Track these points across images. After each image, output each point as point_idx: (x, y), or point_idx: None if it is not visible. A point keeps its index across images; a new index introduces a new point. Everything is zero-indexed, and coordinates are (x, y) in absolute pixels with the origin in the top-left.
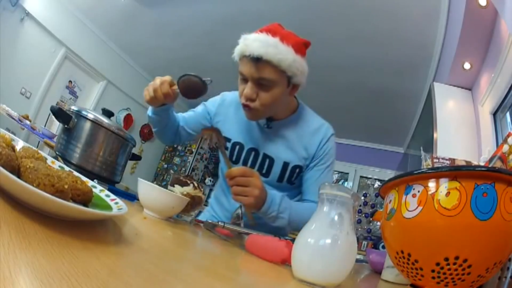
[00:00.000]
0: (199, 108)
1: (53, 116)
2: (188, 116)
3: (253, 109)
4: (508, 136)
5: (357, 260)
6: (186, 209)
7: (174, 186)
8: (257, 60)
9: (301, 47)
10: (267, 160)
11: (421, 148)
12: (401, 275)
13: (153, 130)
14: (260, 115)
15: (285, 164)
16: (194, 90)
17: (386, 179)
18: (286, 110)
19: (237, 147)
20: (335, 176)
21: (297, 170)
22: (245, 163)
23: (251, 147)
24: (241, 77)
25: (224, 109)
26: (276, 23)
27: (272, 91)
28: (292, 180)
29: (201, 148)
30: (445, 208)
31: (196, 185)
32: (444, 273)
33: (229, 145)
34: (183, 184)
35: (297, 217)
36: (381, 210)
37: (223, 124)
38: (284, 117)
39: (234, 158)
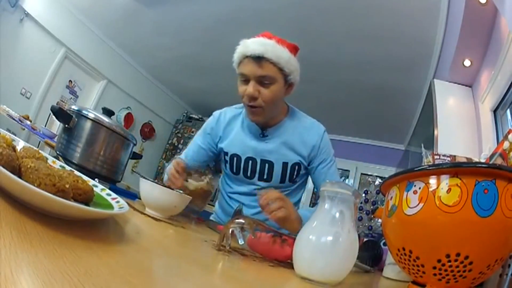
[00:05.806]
0: (201, 139)
1: (53, 116)
2: (193, 153)
3: (256, 108)
4: (508, 133)
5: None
6: (197, 203)
7: (187, 181)
8: (258, 59)
9: (293, 49)
10: (266, 165)
11: (422, 145)
12: (403, 272)
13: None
14: (263, 115)
15: (284, 164)
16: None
17: (387, 176)
18: (280, 113)
19: (235, 158)
20: None
21: (297, 168)
22: (245, 172)
23: (248, 157)
24: (242, 79)
25: (220, 126)
26: (267, 31)
27: (272, 87)
28: (294, 178)
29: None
30: (446, 204)
31: (208, 180)
32: (446, 270)
33: (227, 158)
34: (197, 179)
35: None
36: (382, 207)
37: (222, 140)
38: (278, 121)
39: (234, 169)
